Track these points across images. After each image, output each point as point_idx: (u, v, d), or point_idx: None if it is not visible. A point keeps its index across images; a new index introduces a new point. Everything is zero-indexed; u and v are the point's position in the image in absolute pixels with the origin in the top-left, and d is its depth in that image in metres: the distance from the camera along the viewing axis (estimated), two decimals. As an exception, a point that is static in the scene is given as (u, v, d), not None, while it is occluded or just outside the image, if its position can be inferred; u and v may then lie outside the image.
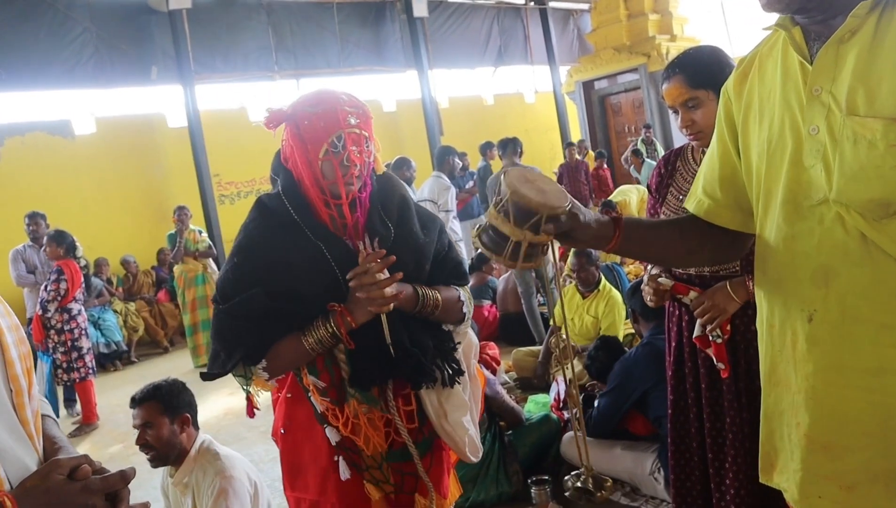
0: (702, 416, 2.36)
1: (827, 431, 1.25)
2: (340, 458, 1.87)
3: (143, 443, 2.68)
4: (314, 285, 1.78)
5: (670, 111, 2.29)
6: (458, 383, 1.96)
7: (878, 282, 1.17)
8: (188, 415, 2.75)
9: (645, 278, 2.34)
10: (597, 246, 1.43)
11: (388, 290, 1.76)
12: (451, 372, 1.94)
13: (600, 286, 5.39)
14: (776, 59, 1.32)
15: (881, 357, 1.18)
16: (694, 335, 2.29)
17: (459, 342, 2.04)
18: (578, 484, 1.48)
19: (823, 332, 1.23)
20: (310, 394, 1.90)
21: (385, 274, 1.76)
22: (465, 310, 2.01)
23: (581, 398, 4.05)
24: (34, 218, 6.97)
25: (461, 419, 1.98)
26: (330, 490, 1.89)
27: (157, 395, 2.71)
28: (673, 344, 2.47)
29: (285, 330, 1.78)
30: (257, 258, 1.78)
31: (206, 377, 1.85)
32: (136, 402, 2.73)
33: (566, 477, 1.53)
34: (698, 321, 2.25)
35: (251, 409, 1.91)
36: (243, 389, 1.84)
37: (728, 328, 2.21)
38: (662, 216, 2.38)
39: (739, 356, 2.24)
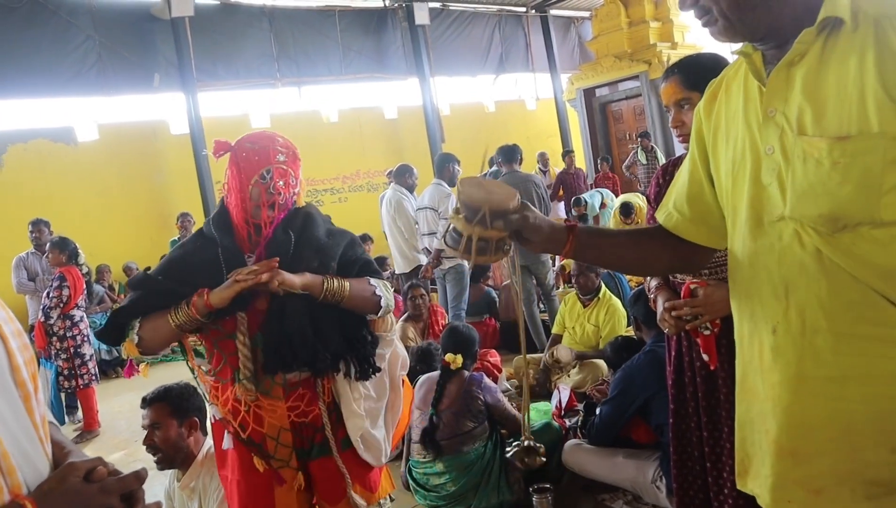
0: (702, 425, 2.36)
1: (793, 438, 1.30)
2: (226, 431, 2.23)
3: (150, 444, 2.70)
4: (200, 276, 2.14)
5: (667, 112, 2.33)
6: (370, 378, 2.28)
7: (834, 294, 1.22)
8: (196, 419, 2.76)
9: (659, 309, 2.28)
10: (551, 250, 1.53)
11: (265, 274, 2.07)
12: (358, 368, 2.25)
13: (600, 294, 5.40)
14: (740, 82, 1.40)
15: (842, 366, 1.23)
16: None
17: (377, 342, 2.34)
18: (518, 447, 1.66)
19: (786, 343, 1.29)
20: (195, 375, 2.28)
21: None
22: (378, 295, 2.27)
23: (583, 406, 4.06)
24: (37, 225, 6.99)
25: (362, 424, 2.28)
26: (230, 463, 2.23)
27: (167, 397, 2.74)
28: (673, 353, 2.47)
29: (164, 306, 2.15)
30: (171, 259, 2.30)
31: (98, 335, 2.32)
32: (146, 402, 2.76)
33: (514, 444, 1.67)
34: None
35: (129, 371, 2.40)
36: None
37: (717, 322, 2.19)
38: None
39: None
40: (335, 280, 2.19)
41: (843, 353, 1.22)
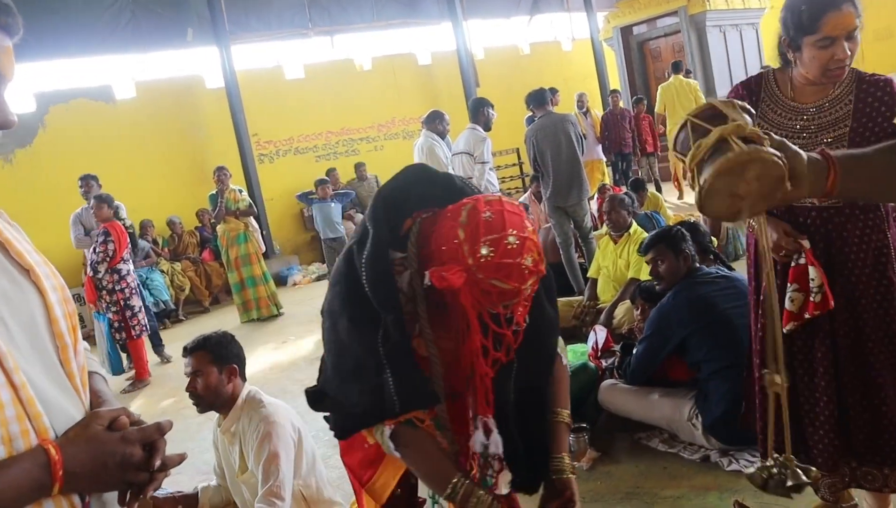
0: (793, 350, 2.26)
1: None
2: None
3: (192, 390, 2.80)
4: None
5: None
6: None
7: None
8: (235, 366, 2.85)
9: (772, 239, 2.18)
10: (815, 187, 1.24)
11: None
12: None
13: (631, 230, 5.38)
14: None
15: None
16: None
17: None
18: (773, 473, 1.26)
19: None
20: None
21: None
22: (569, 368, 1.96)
23: (619, 346, 4.07)
24: (86, 180, 6.98)
25: None
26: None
27: (207, 345, 2.83)
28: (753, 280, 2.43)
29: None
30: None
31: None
32: (187, 351, 2.86)
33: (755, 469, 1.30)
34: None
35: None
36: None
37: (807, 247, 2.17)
38: None
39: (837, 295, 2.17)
40: (568, 419, 1.88)
41: None
